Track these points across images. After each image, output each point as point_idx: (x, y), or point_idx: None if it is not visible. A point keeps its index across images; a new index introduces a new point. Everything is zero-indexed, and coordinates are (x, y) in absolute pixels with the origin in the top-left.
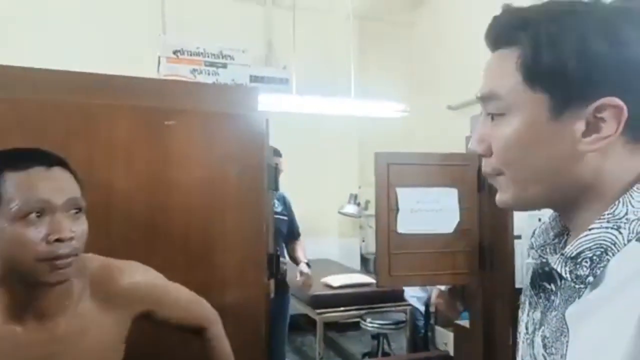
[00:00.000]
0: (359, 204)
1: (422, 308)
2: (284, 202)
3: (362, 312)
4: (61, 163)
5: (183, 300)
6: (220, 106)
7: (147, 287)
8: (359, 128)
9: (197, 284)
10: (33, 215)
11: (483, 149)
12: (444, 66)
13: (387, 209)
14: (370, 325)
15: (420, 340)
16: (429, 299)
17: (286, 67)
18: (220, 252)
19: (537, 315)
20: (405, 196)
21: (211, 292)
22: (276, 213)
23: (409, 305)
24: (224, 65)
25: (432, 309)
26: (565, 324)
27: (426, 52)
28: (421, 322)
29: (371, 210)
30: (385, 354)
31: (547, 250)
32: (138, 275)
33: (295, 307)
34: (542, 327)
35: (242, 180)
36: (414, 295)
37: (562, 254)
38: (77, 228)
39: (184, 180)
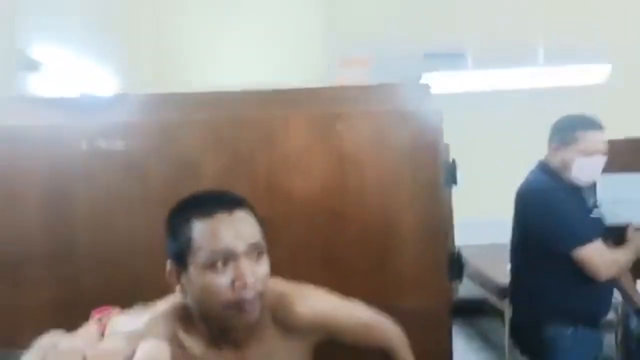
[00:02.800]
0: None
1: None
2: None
3: None
4: (242, 204)
5: (362, 323)
6: (391, 105)
7: (324, 316)
8: (549, 102)
9: (375, 289)
10: (219, 263)
11: None
12: None
13: None
14: None
15: (636, 345)
16: None
17: (461, 41)
18: (398, 255)
19: None
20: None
21: (390, 297)
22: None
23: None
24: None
25: None
26: None
27: None
28: (635, 324)
29: None
30: None
31: None
32: (313, 303)
33: (471, 289)
34: None
35: (417, 180)
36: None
37: None
38: (259, 270)
39: (359, 184)
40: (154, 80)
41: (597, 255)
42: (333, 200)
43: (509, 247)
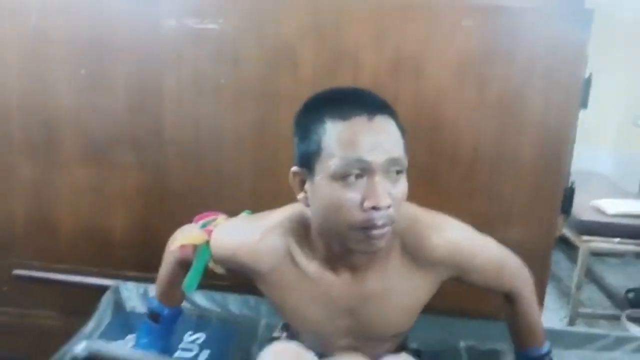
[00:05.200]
0: None
1: None
2: None
3: None
4: (386, 109)
5: (495, 263)
6: (531, 1)
7: (460, 250)
8: None
9: (479, 214)
10: (352, 177)
11: None
12: None
13: None
14: None
15: None
16: None
17: None
18: (511, 181)
19: None
20: None
21: (493, 226)
22: None
23: None
24: None
25: None
26: None
27: None
28: None
29: None
30: None
31: None
32: (450, 234)
33: None
34: None
35: (549, 97)
36: None
37: None
38: (396, 192)
39: (477, 95)
40: None
41: None
42: (446, 110)
43: (598, 177)
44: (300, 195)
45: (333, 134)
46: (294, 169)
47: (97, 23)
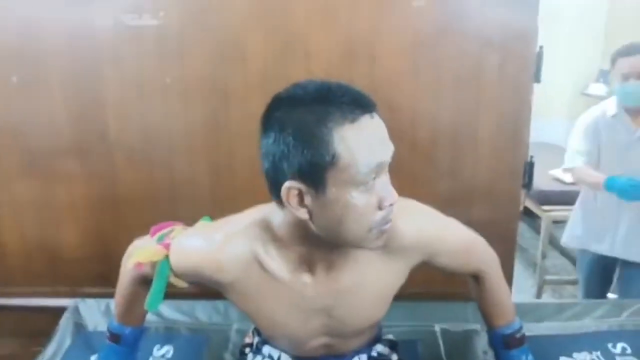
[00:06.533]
0: (609, 84)
1: None
2: None
3: None
4: (374, 102)
5: (462, 245)
6: None
7: (429, 236)
8: None
9: (443, 197)
10: (371, 181)
11: None
12: None
13: None
14: None
15: None
16: None
17: None
18: (471, 160)
19: None
20: None
21: (458, 206)
22: None
23: None
24: None
25: None
26: None
27: None
28: None
29: None
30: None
31: None
32: (418, 220)
33: None
34: None
35: (504, 73)
36: None
37: None
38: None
39: (432, 75)
40: None
41: None
42: (401, 92)
43: (553, 148)
44: (301, 212)
45: (346, 139)
46: (289, 183)
47: (26, 26)
